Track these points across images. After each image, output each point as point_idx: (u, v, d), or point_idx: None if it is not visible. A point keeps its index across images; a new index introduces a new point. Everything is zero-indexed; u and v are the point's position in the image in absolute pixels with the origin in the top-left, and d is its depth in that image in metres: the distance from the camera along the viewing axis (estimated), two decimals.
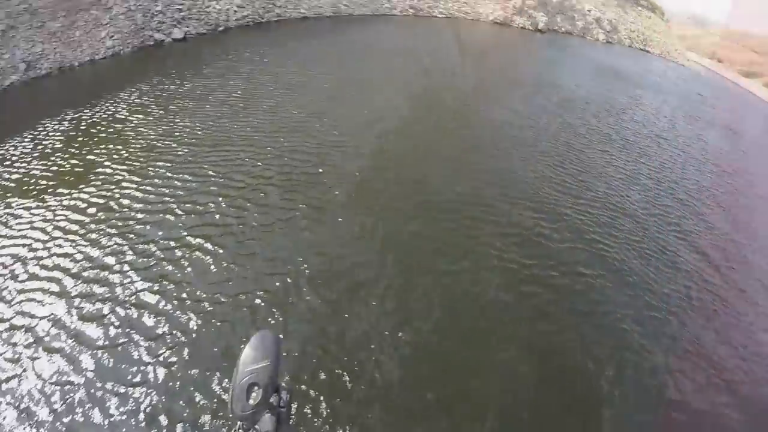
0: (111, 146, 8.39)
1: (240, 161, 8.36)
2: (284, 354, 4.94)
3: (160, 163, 8.00)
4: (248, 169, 8.21)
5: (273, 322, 5.39)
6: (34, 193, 7.11)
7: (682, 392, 6.74)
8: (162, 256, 6.09)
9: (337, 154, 8.99)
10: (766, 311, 9.59)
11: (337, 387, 4.90)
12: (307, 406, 4.66)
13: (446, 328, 5.91)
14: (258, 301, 5.64)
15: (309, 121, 10.22)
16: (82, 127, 8.96)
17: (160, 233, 6.46)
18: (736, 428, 6.92)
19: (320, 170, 8.43)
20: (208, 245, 6.35)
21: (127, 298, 5.45)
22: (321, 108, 10.89)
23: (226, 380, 4.64)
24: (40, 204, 6.85)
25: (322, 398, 4.76)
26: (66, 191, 7.19)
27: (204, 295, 5.59)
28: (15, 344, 4.85)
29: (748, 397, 7.39)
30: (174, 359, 4.86)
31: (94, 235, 6.34)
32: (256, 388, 1.35)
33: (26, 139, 8.45)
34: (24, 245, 6.07)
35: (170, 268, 5.92)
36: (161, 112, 9.67)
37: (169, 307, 5.41)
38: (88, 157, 8.05)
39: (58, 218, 6.60)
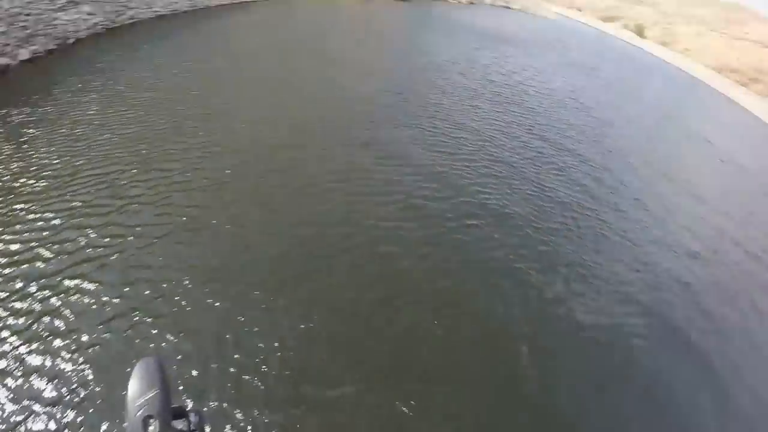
0: None
1: (103, 183, 7.64)
2: (186, 375, 4.66)
3: (20, 206, 7.07)
4: (113, 190, 7.52)
5: (166, 345, 4.96)
6: None
7: (589, 312, 7.29)
8: (39, 309, 5.43)
9: (206, 155, 8.52)
10: (647, 225, 10.81)
11: (248, 393, 4.63)
12: (224, 422, 4.39)
13: (350, 308, 5.79)
14: (148, 328, 5.15)
15: (172, 125, 9.57)
16: None
17: (32, 285, 5.73)
18: (645, 334, 7.70)
19: (188, 175, 7.94)
20: (86, 284, 5.74)
21: (6, 367, 4.77)
22: (186, 111, 10.25)
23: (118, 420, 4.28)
24: None
25: (236, 410, 4.48)
26: None
27: (88, 338, 5.04)
28: None
29: (648, 304, 8.24)
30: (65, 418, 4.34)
31: None
32: (151, 420, 1.24)
33: None
34: None
35: (47, 320, 5.28)
36: (12, 146, 8.52)
37: (55, 363, 4.80)
38: None
39: None
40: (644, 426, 5.87)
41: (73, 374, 4.69)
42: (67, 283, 5.73)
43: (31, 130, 9.18)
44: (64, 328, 5.16)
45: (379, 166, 8.70)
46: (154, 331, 5.12)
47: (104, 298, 5.51)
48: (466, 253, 7.25)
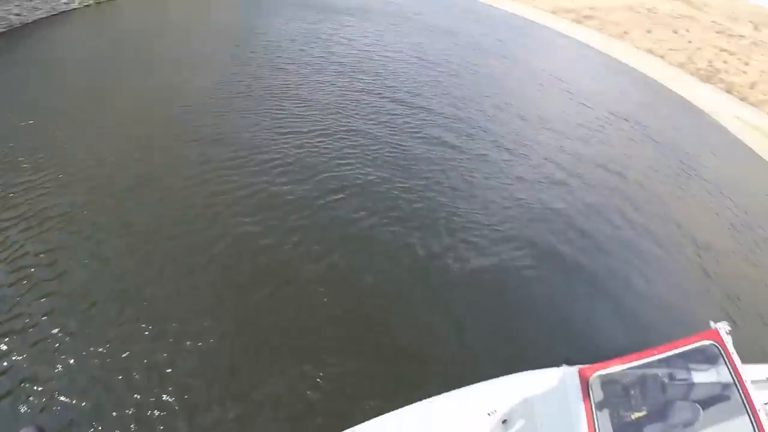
0: None
1: None
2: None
3: None
4: None
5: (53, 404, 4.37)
6: None
7: (476, 256, 7.88)
8: None
9: (48, 190, 7.50)
10: (511, 164, 11.72)
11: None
12: None
13: (238, 313, 5.62)
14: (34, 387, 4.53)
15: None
16: None
17: None
18: (534, 264, 8.39)
19: (34, 215, 6.93)
20: None
21: None
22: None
23: None
24: None
25: None
26: None
27: None
28: None
29: (528, 236, 9.02)
30: None
31: None
32: None
33: None
34: None
35: None
36: None
37: None
38: None
39: None
40: (554, 347, 6.53)
41: None
42: None
43: None
44: None
45: (232, 161, 8.38)
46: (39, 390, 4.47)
47: None
48: (341, 228, 7.33)
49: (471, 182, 10.02)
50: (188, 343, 4.99)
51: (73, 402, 4.36)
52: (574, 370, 4.22)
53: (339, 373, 5.11)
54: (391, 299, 6.50)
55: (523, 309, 7.37)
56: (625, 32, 39.61)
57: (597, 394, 4.04)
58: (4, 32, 15.85)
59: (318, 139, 9.37)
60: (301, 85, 12.21)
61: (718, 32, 43.93)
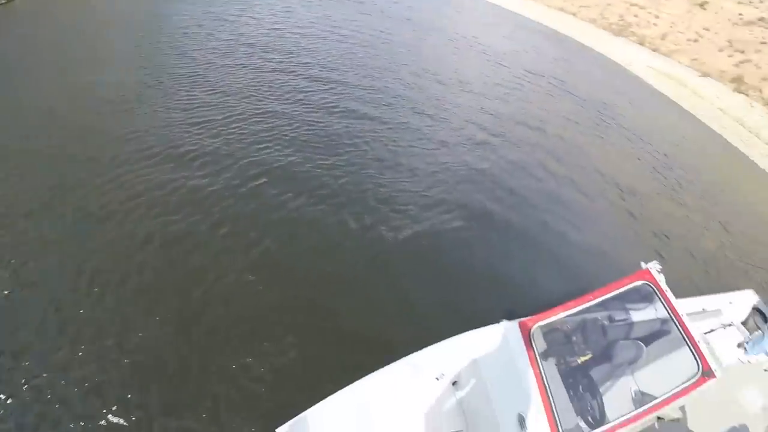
0: None
1: None
2: None
3: None
4: None
5: None
6: None
7: (409, 225, 8.16)
8: None
9: None
10: (433, 129, 11.94)
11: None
12: None
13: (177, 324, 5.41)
14: None
15: None
16: None
17: None
18: (466, 226, 8.71)
19: None
20: None
21: None
22: None
23: None
24: None
25: None
26: None
27: None
28: None
29: (458, 198, 9.45)
30: None
31: None
32: None
33: None
34: None
35: None
36: None
37: None
38: None
39: None
40: (495, 304, 6.79)
41: None
42: None
43: None
44: None
45: (148, 159, 8.00)
46: None
47: None
48: (268, 214, 7.28)
49: (395, 151, 10.17)
50: (128, 358, 4.85)
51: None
52: (514, 324, 4.30)
53: (286, 361, 5.16)
54: (329, 278, 6.57)
55: (461, 270, 7.64)
56: None
57: (540, 344, 4.13)
58: None
59: (233, 126, 9.17)
60: (210, 71, 11.84)
61: None
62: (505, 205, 10.19)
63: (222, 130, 8.91)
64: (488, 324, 4.40)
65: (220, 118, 9.31)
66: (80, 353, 4.75)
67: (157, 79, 10.97)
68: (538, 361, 3.95)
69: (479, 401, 3.93)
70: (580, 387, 4.05)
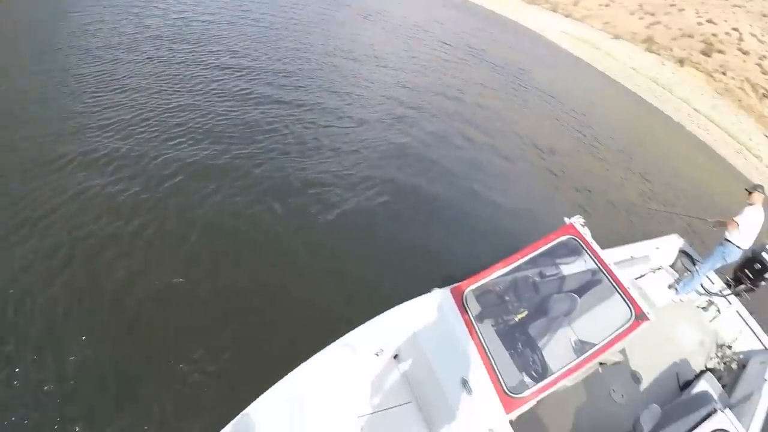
0: None
1: None
2: None
3: None
4: None
5: None
6: None
7: (336, 205, 8.39)
8: None
9: None
10: (350, 107, 12.06)
11: None
12: None
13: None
14: None
15: None
16: None
17: None
18: (394, 200, 9.07)
19: None
20: None
21: None
22: None
23: None
24: None
25: None
26: None
27: None
28: None
29: (381, 175, 9.73)
30: None
31: None
32: None
33: None
34: None
35: None
36: None
37: None
38: None
39: None
40: (429, 273, 7.10)
41: None
42: None
43: None
44: None
45: (60, 171, 7.55)
46: None
47: None
48: (188, 214, 7.10)
49: (314, 133, 10.26)
50: (66, 385, 4.63)
51: None
52: (446, 291, 4.34)
53: (227, 357, 5.16)
54: (261, 268, 6.58)
55: (392, 244, 7.91)
56: None
57: (474, 307, 4.18)
58: None
59: (145, 124, 8.91)
60: (117, 68, 11.35)
61: None
62: (428, 176, 10.51)
63: (133, 129, 8.65)
64: (421, 294, 4.40)
65: (129, 117, 9.02)
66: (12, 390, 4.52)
67: (60, 82, 10.42)
68: (474, 324, 4.01)
69: (422, 371, 3.91)
70: (520, 344, 4.13)
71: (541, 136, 17.43)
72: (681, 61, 56.65)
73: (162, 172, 7.73)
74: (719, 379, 6.05)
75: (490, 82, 21.60)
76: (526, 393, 3.66)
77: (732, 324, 7.38)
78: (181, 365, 4.96)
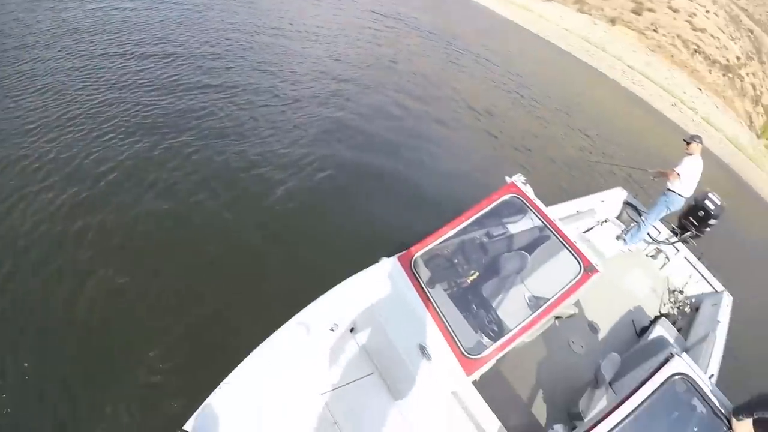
0: None
1: None
2: None
3: None
4: None
5: None
6: None
7: (282, 181, 8.48)
8: None
9: None
10: (284, 84, 11.97)
11: None
12: None
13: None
14: None
15: None
16: None
17: None
18: (342, 174, 9.29)
19: None
20: None
21: None
22: None
23: None
24: None
25: None
26: None
27: None
28: None
29: (325, 151, 9.92)
30: None
31: None
32: None
33: None
34: None
35: None
36: None
37: None
38: None
39: None
40: (378, 246, 7.00)
41: None
42: None
43: None
44: None
45: None
46: None
47: None
48: (124, 212, 6.94)
49: (247, 115, 10.22)
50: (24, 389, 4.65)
51: None
52: (394, 259, 4.29)
53: (180, 355, 5.16)
54: (208, 257, 6.57)
55: (337, 220, 8.10)
56: None
57: (424, 273, 4.15)
58: None
59: (70, 125, 8.51)
60: (36, 67, 10.76)
61: None
62: (369, 148, 10.65)
63: (61, 130, 8.31)
64: (370, 266, 4.33)
65: (55, 117, 8.68)
66: None
67: None
68: (426, 289, 4.00)
69: (380, 342, 3.86)
70: (474, 305, 4.15)
71: (478, 100, 17.77)
72: (612, 21, 58.40)
73: (96, 171, 7.52)
74: (674, 323, 6.29)
75: (423, 49, 21.68)
76: (485, 353, 3.68)
77: (681, 270, 7.72)
78: (138, 367, 4.96)
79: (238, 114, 10.08)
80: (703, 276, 7.47)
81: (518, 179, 4.29)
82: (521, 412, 4.57)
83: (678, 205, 7.48)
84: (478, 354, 3.66)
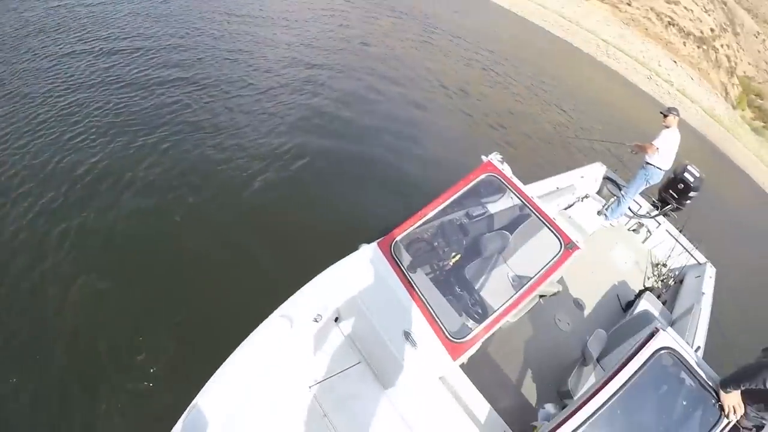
0: None
1: None
2: None
3: None
4: None
5: None
6: None
7: (259, 172, 8.45)
8: None
9: None
10: (257, 73, 11.80)
11: None
12: None
13: None
14: None
15: None
16: None
17: None
18: (318, 156, 9.26)
19: None
20: None
21: None
22: None
23: None
24: None
25: None
26: None
27: None
28: None
29: (300, 139, 9.87)
30: None
31: None
32: None
33: None
34: None
35: None
36: None
37: None
38: None
39: None
40: (359, 234, 7.03)
41: None
42: None
43: None
44: None
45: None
46: None
47: None
48: (101, 216, 6.83)
49: (223, 105, 10.11)
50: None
51: None
52: (373, 245, 4.18)
53: (166, 358, 5.14)
54: (190, 254, 6.52)
55: (318, 208, 8.02)
56: None
57: (404, 258, 4.05)
58: None
59: (40, 130, 8.22)
60: (1, 73, 10.50)
61: None
62: (344, 134, 10.63)
63: (31, 136, 8.06)
64: (350, 253, 4.26)
65: (24, 123, 8.44)
66: None
67: None
68: (407, 274, 3.89)
69: (365, 330, 3.82)
70: (457, 288, 4.11)
71: (452, 79, 17.69)
72: None
73: (72, 174, 7.38)
74: (659, 296, 6.34)
75: (394, 30, 21.47)
76: (470, 336, 3.61)
77: (664, 243, 7.78)
78: (125, 371, 4.94)
79: (212, 105, 9.96)
80: (685, 248, 7.53)
81: (494, 158, 4.21)
82: (511, 393, 4.59)
83: (657, 178, 7.53)
84: (464, 337, 3.60)
